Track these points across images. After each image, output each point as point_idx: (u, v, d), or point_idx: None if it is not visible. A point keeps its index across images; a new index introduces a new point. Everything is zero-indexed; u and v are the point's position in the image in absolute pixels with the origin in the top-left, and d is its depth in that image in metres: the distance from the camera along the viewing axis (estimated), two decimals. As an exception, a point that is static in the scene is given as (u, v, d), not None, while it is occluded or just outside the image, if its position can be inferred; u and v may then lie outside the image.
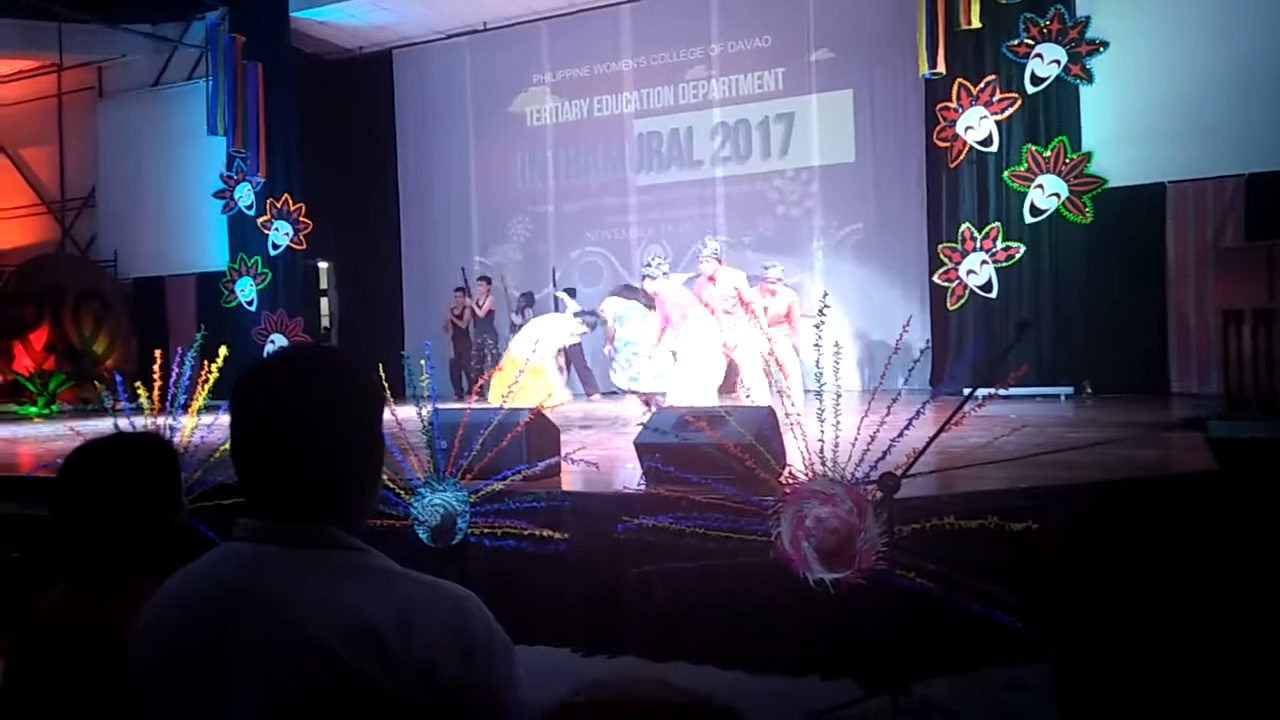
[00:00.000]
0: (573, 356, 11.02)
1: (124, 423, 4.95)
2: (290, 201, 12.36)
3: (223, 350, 5.10)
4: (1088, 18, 9.15)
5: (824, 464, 4.03)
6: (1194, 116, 8.69)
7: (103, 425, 5.86)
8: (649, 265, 7.63)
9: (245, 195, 12.52)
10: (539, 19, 12.25)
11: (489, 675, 1.13)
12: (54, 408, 12.55)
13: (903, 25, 10.20)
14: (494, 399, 6.46)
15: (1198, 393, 8.53)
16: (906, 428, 4.09)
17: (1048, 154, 9.25)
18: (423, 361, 4.90)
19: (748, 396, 6.48)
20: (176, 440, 4.95)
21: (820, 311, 4.18)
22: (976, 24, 8.81)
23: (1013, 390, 7.12)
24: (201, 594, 1.18)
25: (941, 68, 9.05)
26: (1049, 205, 9.26)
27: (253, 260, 12.53)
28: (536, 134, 12.47)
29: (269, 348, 12.08)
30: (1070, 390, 9.17)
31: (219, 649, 1.12)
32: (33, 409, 12.43)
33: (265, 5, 11.88)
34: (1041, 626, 3.25)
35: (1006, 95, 9.40)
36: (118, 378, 5.48)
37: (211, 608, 1.15)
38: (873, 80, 10.64)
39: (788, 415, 5.67)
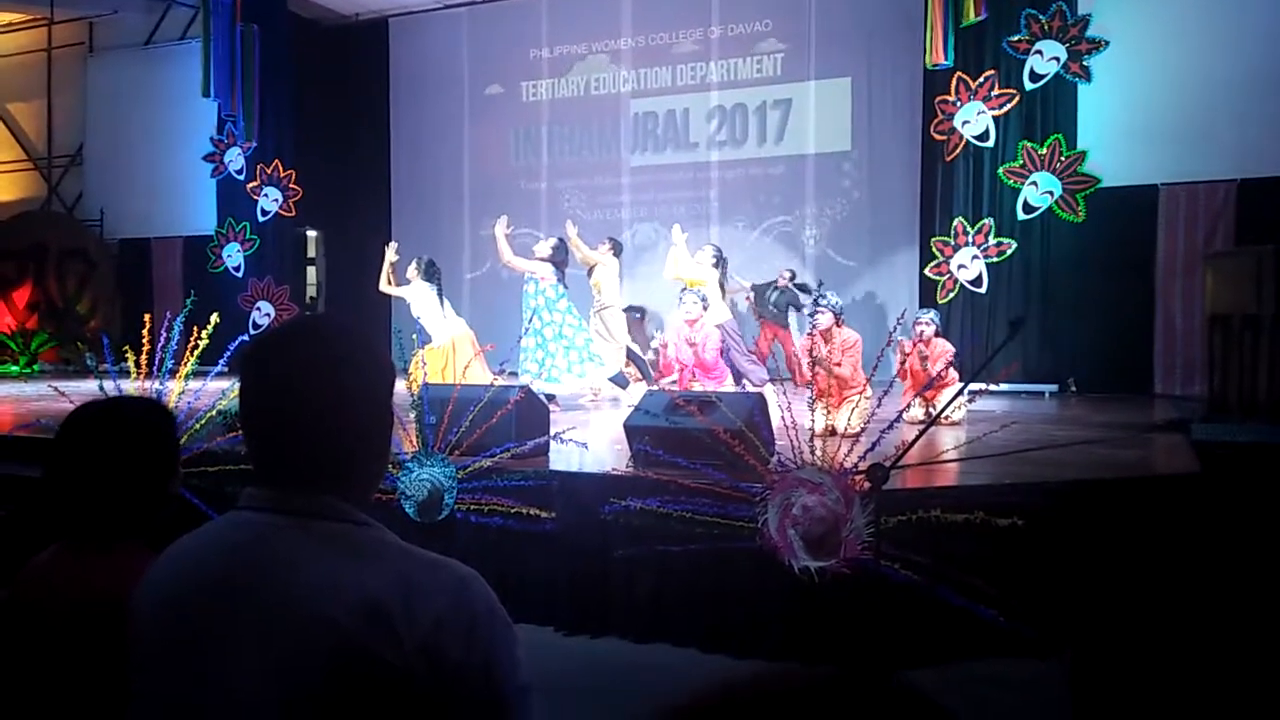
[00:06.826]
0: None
1: (110, 385, 4.90)
2: (280, 168, 12.24)
3: (214, 317, 5.06)
4: (1089, 16, 9.15)
5: (813, 453, 4.05)
6: (1189, 120, 8.72)
7: (85, 386, 5.81)
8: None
9: (236, 160, 12.39)
10: (539, -7, 12.15)
11: (490, 655, 1.13)
12: (35, 367, 12.45)
13: (904, 15, 10.18)
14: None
15: (1180, 394, 8.60)
16: (896, 420, 4.12)
17: (1043, 151, 9.27)
18: (414, 336, 4.88)
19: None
20: (162, 405, 4.91)
21: (815, 301, 4.18)
22: (980, 16, 8.78)
23: (1000, 386, 7.16)
24: (207, 564, 1.17)
25: (948, 59, 9.02)
26: (1042, 203, 9.28)
27: (241, 226, 12.41)
28: (532, 110, 12.38)
29: (255, 315, 12.00)
30: (1055, 388, 9.23)
31: (224, 619, 1.12)
32: (14, 368, 12.34)
33: (262, -33, 11.73)
34: (1039, 626, 3.28)
35: (1005, 91, 9.40)
36: (104, 339, 5.43)
37: (217, 578, 1.15)
38: (871, 69, 10.60)
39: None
